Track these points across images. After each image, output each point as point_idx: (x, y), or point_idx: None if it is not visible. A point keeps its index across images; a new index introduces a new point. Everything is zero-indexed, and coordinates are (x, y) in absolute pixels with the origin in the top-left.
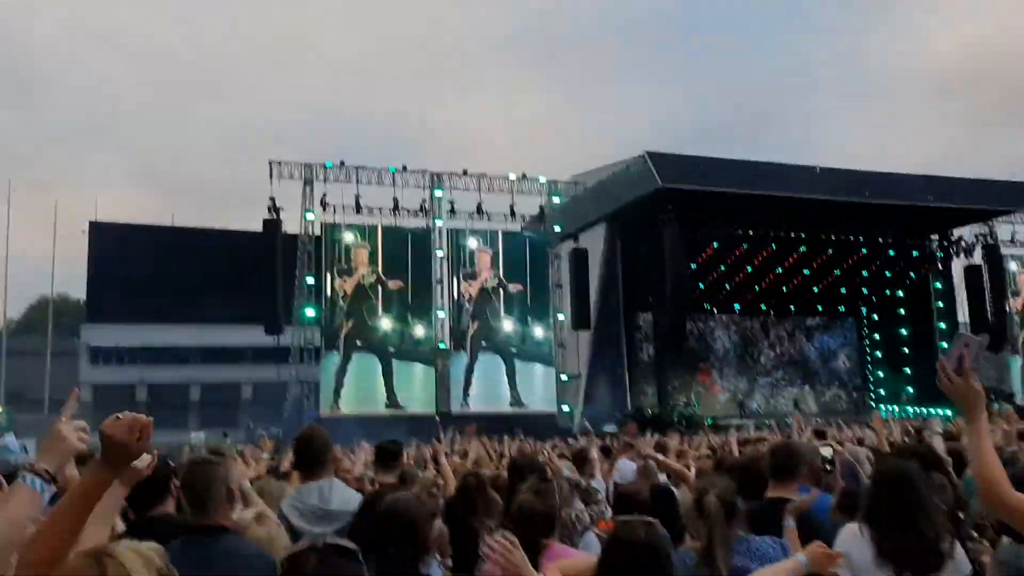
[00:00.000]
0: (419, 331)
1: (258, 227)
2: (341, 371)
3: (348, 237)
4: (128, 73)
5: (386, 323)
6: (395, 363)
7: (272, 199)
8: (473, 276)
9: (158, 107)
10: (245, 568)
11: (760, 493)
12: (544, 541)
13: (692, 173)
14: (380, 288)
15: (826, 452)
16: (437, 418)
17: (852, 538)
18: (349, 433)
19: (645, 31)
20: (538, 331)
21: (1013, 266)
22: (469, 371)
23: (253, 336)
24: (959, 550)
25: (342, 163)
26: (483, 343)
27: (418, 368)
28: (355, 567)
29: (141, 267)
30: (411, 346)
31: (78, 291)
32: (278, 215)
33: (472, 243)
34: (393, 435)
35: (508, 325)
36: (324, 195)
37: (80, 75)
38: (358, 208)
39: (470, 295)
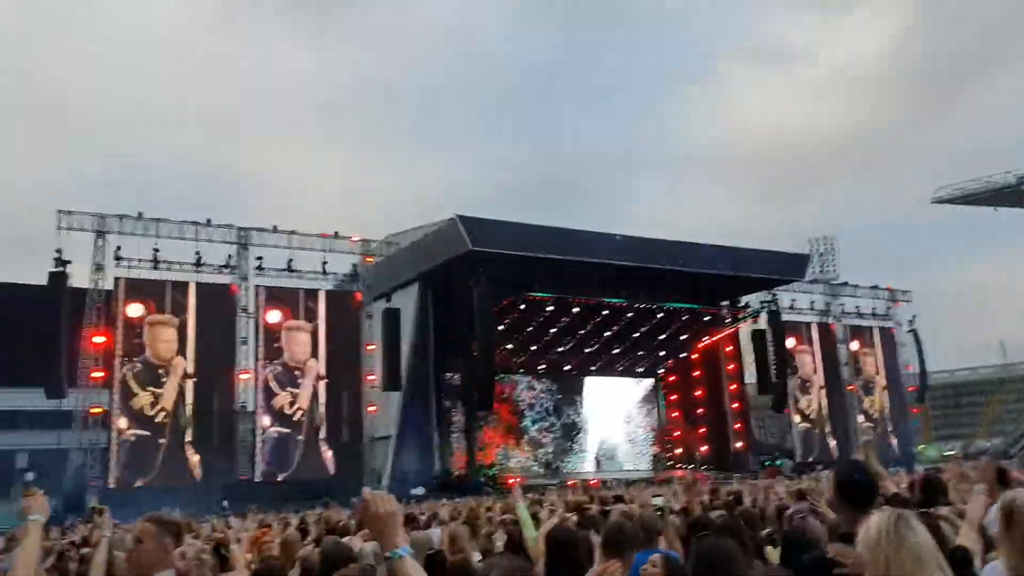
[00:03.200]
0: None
1: (43, 280)
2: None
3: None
4: None
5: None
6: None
7: (59, 251)
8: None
9: None
10: None
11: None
12: None
13: (501, 237)
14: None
15: (658, 501)
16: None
17: None
18: (146, 506)
19: (465, 98)
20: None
21: (790, 342)
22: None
23: (31, 399)
24: None
25: (140, 215)
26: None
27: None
28: None
29: None
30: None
31: None
32: (65, 268)
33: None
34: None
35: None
36: (119, 248)
37: None
38: (156, 263)
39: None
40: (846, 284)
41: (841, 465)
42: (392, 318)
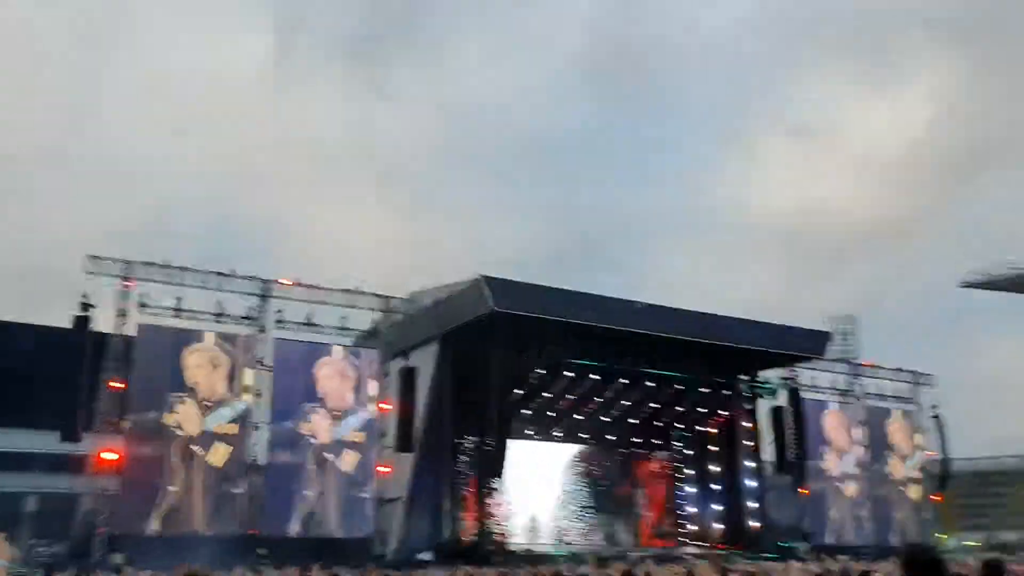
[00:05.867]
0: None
1: (67, 324)
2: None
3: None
4: None
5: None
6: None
7: (84, 295)
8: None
9: None
10: None
11: None
12: None
13: (523, 299)
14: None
15: None
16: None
17: None
18: (159, 556)
19: (492, 159)
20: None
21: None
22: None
23: (47, 442)
24: None
25: (165, 263)
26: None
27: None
28: None
29: None
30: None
31: None
32: (88, 313)
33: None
34: (205, 560)
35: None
36: (142, 295)
37: None
38: (178, 311)
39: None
40: (869, 365)
41: (910, 544)
42: (408, 377)
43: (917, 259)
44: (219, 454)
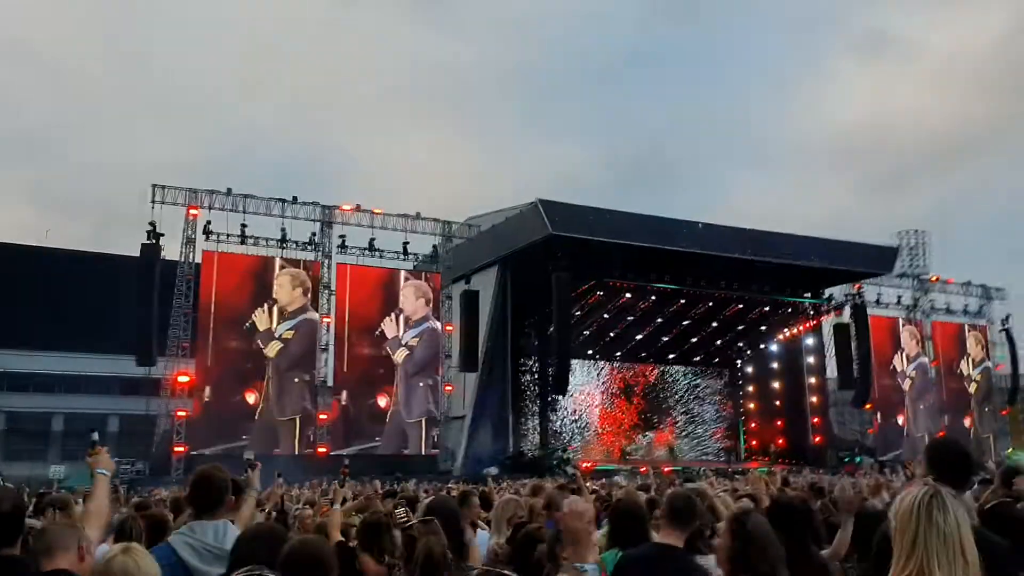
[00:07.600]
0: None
1: (137, 252)
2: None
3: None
4: (20, 89)
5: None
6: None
7: (152, 224)
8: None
9: (45, 126)
10: None
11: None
12: None
13: (581, 222)
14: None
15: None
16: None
17: None
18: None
19: (558, 85)
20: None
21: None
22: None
23: (123, 366)
24: None
25: (229, 190)
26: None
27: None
28: None
29: (8, 288)
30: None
31: None
32: (158, 241)
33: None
34: (271, 471)
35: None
36: (208, 223)
37: None
38: (243, 238)
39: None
40: (937, 280)
41: (934, 441)
42: (471, 300)
43: (992, 176)
44: (274, 348)
